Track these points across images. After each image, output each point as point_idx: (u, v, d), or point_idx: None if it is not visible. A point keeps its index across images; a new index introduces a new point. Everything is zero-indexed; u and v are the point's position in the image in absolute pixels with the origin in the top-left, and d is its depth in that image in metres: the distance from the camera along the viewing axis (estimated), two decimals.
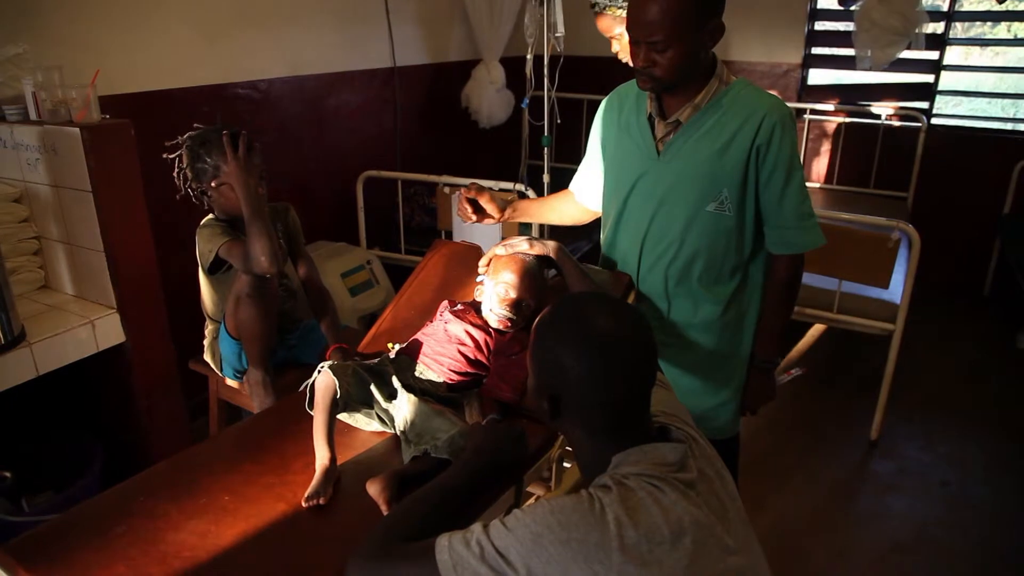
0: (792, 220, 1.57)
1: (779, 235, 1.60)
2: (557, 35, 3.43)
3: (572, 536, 0.89)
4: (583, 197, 1.91)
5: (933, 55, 4.06)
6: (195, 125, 1.86)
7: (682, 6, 1.39)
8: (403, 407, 1.41)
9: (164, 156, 1.85)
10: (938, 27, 3.99)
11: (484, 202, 1.81)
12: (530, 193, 3.01)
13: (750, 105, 1.52)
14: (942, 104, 4.24)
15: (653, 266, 1.66)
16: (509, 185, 3.00)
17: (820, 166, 4.49)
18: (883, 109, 4.23)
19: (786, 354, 3.47)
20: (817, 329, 3.71)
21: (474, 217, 1.83)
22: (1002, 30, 5.46)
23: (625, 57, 2.31)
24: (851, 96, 4.36)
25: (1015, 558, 2.29)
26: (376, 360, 1.54)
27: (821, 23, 4.29)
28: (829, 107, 4.32)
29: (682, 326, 1.68)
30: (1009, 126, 4.60)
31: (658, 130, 1.60)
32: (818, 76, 4.49)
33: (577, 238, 3.48)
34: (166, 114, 2.59)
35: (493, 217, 1.83)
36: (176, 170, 1.87)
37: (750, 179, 1.54)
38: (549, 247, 1.60)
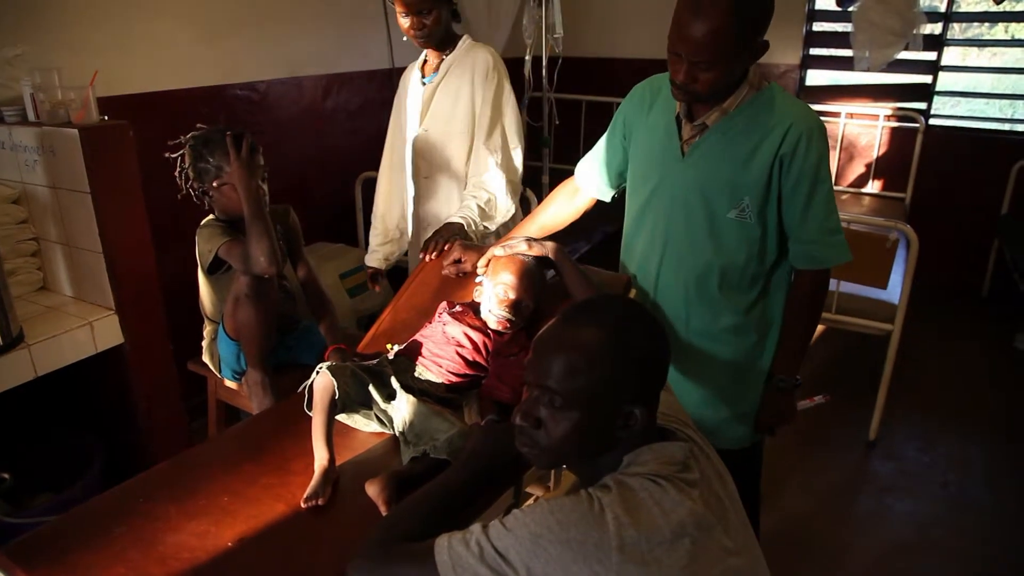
0: (817, 234, 1.53)
1: (803, 249, 1.56)
2: (555, 36, 3.44)
3: (571, 536, 0.89)
4: (586, 182, 1.83)
5: (931, 56, 4.06)
6: (198, 125, 1.86)
7: (734, 28, 1.34)
8: (402, 408, 1.41)
9: (166, 156, 1.85)
10: (936, 28, 4.00)
11: (466, 259, 1.76)
12: (528, 194, 3.01)
13: (779, 113, 1.48)
14: (940, 105, 4.25)
15: (673, 270, 1.63)
16: None
17: None
18: (881, 110, 4.24)
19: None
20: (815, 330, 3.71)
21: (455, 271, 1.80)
22: (999, 31, 5.47)
23: (417, 41, 2.11)
24: (849, 97, 4.37)
25: (1015, 559, 2.29)
26: (375, 361, 1.54)
27: (819, 24, 4.29)
28: (827, 108, 4.33)
29: (702, 334, 1.65)
30: (1007, 126, 4.61)
31: (684, 131, 1.56)
32: (816, 77, 4.50)
33: (576, 239, 3.49)
34: (165, 115, 2.58)
35: (469, 268, 1.77)
36: (177, 170, 1.87)
37: (773, 189, 1.50)
38: (548, 248, 1.60)
